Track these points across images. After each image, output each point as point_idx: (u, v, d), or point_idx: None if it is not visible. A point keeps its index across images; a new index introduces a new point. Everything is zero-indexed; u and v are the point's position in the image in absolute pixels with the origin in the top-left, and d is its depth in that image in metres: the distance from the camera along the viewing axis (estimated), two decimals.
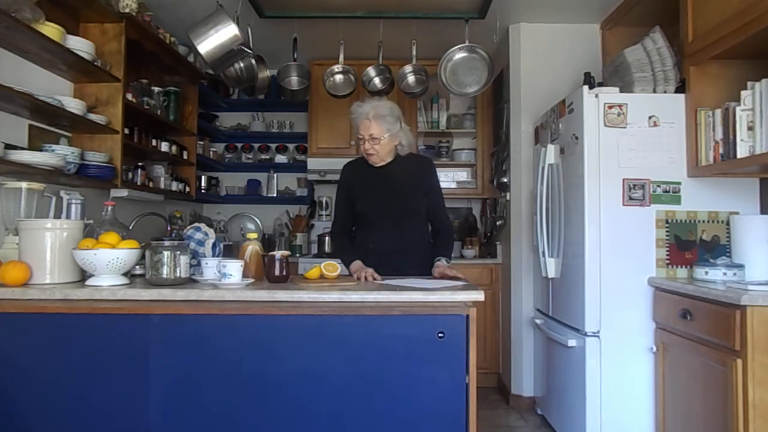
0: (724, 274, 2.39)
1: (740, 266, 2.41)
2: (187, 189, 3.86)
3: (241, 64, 3.38)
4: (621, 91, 2.76)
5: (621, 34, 3.45)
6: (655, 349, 2.62)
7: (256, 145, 4.77)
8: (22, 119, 2.50)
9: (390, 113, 2.45)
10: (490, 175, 4.40)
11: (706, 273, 2.44)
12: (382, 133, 2.42)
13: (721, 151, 2.46)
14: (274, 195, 4.69)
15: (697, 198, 2.69)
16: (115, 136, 2.86)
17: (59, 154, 2.47)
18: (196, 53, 2.87)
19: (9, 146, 2.27)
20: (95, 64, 2.67)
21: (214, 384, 1.70)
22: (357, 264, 2.40)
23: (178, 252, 1.94)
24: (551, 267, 3.10)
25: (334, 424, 1.69)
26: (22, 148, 2.35)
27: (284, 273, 2.03)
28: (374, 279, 2.17)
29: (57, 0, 2.56)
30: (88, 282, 1.90)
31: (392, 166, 2.54)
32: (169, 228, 3.19)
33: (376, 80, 3.81)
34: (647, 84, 2.76)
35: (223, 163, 4.67)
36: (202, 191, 4.28)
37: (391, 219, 2.51)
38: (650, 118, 2.70)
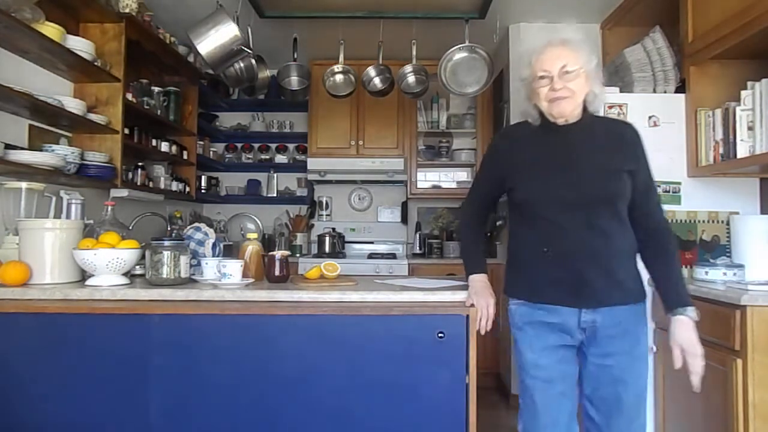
0: (724, 274, 2.39)
1: (740, 266, 2.41)
2: (187, 189, 3.86)
3: (241, 64, 3.38)
4: (621, 91, 2.75)
5: (621, 34, 3.45)
6: (655, 349, 2.61)
7: (256, 145, 4.77)
8: (22, 119, 2.50)
9: (586, 42, 1.66)
10: None
11: (706, 273, 2.44)
12: (580, 65, 1.61)
13: (721, 151, 2.46)
14: (274, 195, 4.69)
15: (697, 198, 2.68)
16: (115, 136, 2.86)
17: (59, 154, 2.47)
18: (196, 53, 2.87)
19: (9, 146, 2.26)
20: (95, 64, 2.67)
21: (214, 384, 1.70)
22: (481, 282, 1.78)
23: (178, 252, 1.94)
24: None
25: (334, 424, 1.69)
26: (22, 148, 2.35)
27: (284, 273, 2.03)
28: (490, 318, 1.72)
29: (57, 0, 2.56)
30: (88, 282, 1.90)
31: (578, 130, 1.68)
32: (169, 228, 3.19)
33: (376, 80, 3.81)
34: (647, 84, 2.76)
35: (223, 163, 4.66)
36: (202, 191, 4.28)
37: (575, 210, 1.62)
38: (650, 118, 2.70)
